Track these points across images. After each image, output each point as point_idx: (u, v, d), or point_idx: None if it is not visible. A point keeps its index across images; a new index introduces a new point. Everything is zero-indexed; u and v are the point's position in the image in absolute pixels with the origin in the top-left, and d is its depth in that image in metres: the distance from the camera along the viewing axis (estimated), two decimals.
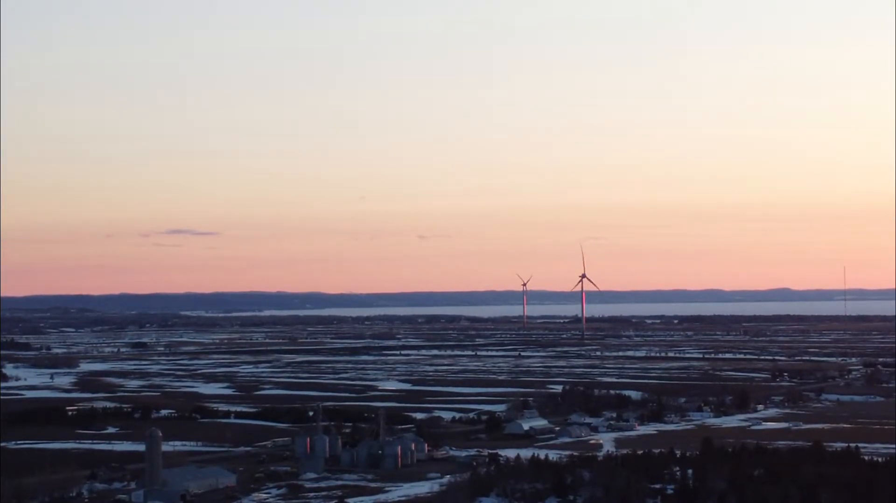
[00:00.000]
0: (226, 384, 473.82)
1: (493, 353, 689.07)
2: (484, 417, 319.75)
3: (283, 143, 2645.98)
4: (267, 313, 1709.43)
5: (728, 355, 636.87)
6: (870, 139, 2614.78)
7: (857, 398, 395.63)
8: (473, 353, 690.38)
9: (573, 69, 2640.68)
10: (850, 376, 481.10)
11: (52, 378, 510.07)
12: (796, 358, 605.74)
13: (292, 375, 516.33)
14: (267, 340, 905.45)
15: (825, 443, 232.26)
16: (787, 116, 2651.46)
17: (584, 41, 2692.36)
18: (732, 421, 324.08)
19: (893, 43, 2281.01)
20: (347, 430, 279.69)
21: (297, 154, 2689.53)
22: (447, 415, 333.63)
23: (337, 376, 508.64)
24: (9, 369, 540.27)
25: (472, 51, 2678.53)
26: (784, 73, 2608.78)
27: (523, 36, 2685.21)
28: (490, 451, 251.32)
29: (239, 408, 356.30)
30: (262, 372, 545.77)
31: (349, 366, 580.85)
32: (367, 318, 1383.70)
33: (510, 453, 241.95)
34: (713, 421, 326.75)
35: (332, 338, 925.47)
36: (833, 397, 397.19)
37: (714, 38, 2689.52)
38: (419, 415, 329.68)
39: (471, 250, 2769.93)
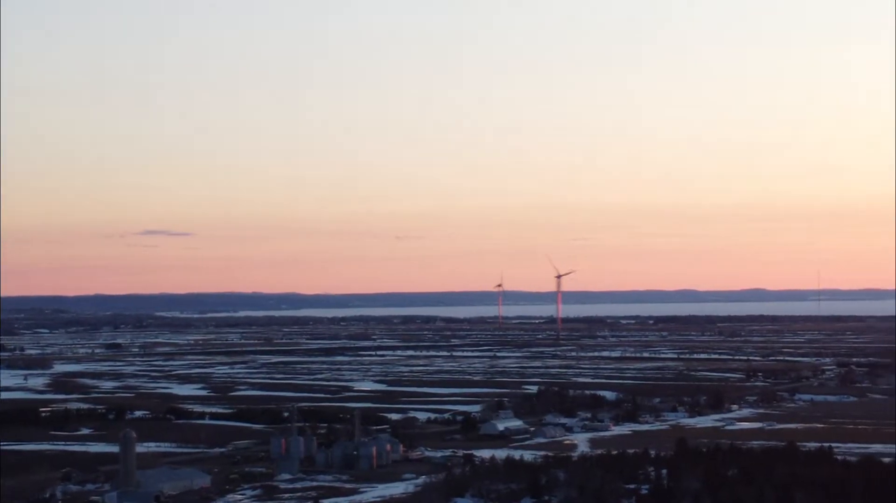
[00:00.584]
0: (200, 385, 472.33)
1: (469, 354, 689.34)
2: (459, 418, 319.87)
3: (258, 143, 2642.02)
4: (242, 314, 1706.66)
5: (702, 355, 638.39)
6: (840, 140, 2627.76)
7: (830, 398, 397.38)
8: (449, 354, 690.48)
9: (550, 67, 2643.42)
10: (824, 376, 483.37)
11: (25, 379, 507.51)
12: (770, 358, 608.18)
13: (267, 376, 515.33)
14: (242, 341, 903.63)
15: (799, 443, 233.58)
16: (758, 117, 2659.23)
17: (566, 41, 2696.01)
18: (707, 421, 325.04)
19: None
20: (323, 431, 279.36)
21: (274, 155, 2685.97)
22: (422, 416, 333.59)
23: (312, 377, 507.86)
24: None
25: (444, 49, 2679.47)
26: (758, 74, 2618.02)
27: (496, 36, 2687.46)
28: (465, 452, 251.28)
29: (214, 410, 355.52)
30: (238, 373, 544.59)
31: (325, 366, 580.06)
32: (343, 319, 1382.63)
33: (485, 454, 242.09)
34: (688, 421, 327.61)
35: (307, 339, 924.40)
36: (807, 397, 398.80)
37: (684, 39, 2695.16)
38: (394, 416, 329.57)
39: (447, 251, 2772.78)
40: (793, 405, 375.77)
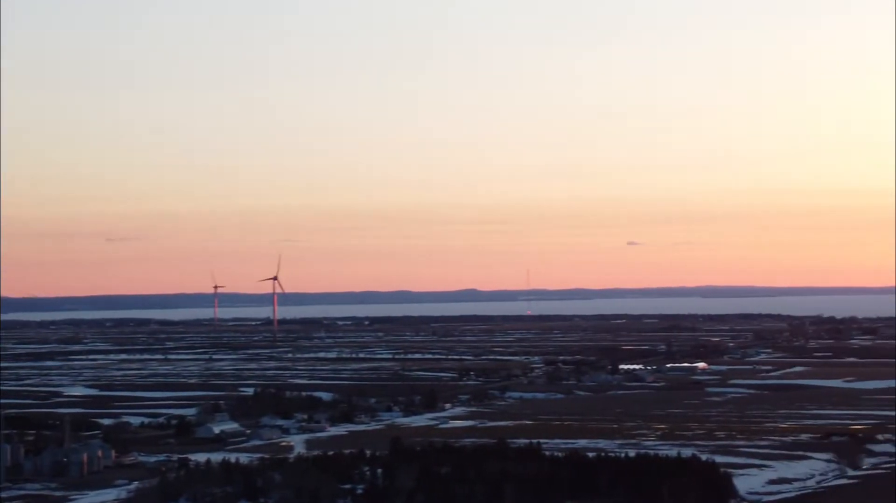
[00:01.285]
0: None
1: (184, 357, 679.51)
2: (174, 422, 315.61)
3: None
4: None
5: (417, 355, 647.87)
6: (535, 141, 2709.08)
7: (539, 395, 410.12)
8: (163, 357, 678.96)
9: (265, 71, 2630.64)
10: (533, 374, 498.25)
11: None
12: (482, 357, 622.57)
13: None
14: None
15: (509, 440, 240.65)
16: (465, 116, 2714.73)
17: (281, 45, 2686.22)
18: (421, 420, 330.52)
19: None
20: (31, 438, 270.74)
21: None
22: (136, 421, 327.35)
23: (20, 383, 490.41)
24: None
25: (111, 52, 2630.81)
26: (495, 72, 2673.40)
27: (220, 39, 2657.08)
28: (180, 456, 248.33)
29: None
30: None
31: (33, 371, 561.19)
32: (52, 323, 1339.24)
33: (201, 457, 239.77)
34: (402, 420, 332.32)
35: (14, 344, 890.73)
36: (517, 395, 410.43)
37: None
38: (107, 421, 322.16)
39: (160, 253, 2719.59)
40: (503, 403, 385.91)
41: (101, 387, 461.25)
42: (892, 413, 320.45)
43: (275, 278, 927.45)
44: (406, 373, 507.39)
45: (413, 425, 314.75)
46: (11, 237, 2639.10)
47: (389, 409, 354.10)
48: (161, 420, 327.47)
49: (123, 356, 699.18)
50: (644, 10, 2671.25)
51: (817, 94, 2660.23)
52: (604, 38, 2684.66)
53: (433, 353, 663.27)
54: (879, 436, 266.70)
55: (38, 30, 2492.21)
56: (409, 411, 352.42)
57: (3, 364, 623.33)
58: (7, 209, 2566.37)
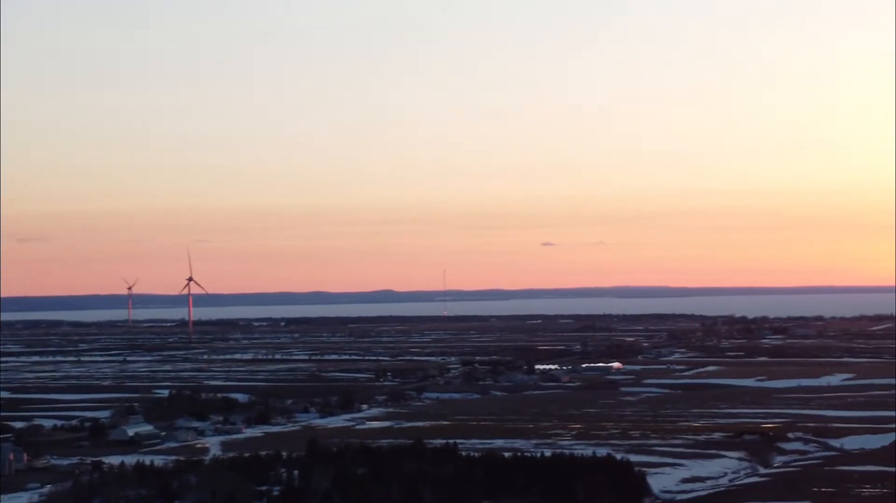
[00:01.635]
0: None
1: (98, 359, 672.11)
2: (87, 424, 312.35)
3: None
4: None
5: (334, 356, 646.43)
6: (458, 144, 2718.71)
7: (455, 396, 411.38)
8: (77, 359, 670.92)
9: (166, 75, 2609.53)
10: (449, 375, 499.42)
11: None
12: (399, 358, 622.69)
13: None
14: None
15: (426, 441, 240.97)
16: (387, 119, 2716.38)
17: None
18: (338, 421, 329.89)
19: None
20: None
21: None
22: (49, 424, 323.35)
23: None
24: None
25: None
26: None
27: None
28: (94, 459, 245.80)
29: None
30: None
31: None
32: None
33: (114, 460, 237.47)
34: (319, 421, 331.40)
35: None
36: (433, 395, 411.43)
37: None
38: (18, 424, 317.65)
39: (72, 253, 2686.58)
40: (420, 403, 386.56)
41: (12, 390, 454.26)
42: (803, 411, 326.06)
43: (189, 279, 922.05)
44: (322, 374, 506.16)
45: (330, 426, 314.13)
46: None
47: (306, 411, 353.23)
48: (74, 422, 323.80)
49: (35, 358, 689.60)
50: (563, 11, 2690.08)
51: (729, 97, 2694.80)
52: (521, 37, 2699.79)
53: (350, 354, 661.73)
54: (790, 435, 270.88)
55: None
56: (325, 412, 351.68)
57: None
58: None
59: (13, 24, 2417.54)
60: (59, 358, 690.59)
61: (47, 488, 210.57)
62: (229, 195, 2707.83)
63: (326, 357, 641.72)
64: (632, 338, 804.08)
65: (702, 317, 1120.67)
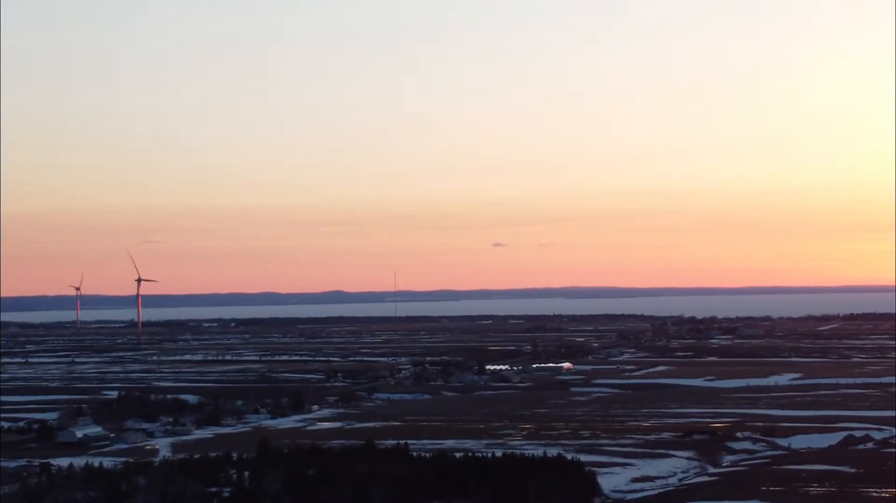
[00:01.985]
0: None
1: (46, 360, 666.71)
2: (35, 426, 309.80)
3: None
4: None
5: (284, 357, 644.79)
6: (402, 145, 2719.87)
7: (406, 396, 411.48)
8: (24, 360, 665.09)
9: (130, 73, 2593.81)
10: (400, 375, 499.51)
11: None
12: (350, 358, 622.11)
13: None
14: None
15: (377, 441, 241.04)
16: (333, 121, 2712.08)
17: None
18: (289, 422, 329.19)
19: None
20: None
21: None
22: None
23: None
24: None
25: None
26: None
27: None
28: (41, 461, 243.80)
29: None
30: None
31: None
32: None
33: (63, 462, 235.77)
34: (270, 422, 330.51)
35: None
36: (384, 396, 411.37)
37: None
38: None
39: (20, 253, 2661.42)
40: (371, 404, 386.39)
41: None
42: (751, 411, 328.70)
43: (139, 280, 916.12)
44: (273, 374, 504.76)
45: (280, 427, 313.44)
46: None
47: (256, 412, 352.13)
48: (22, 424, 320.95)
49: None
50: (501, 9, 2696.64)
51: (681, 97, 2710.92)
52: (449, 36, 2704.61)
53: (300, 355, 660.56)
54: (739, 434, 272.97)
55: None
56: (276, 413, 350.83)
57: None
58: None
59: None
60: (6, 359, 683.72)
61: None
62: (178, 195, 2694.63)
63: (277, 358, 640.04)
64: (582, 339, 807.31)
65: (651, 317, 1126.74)
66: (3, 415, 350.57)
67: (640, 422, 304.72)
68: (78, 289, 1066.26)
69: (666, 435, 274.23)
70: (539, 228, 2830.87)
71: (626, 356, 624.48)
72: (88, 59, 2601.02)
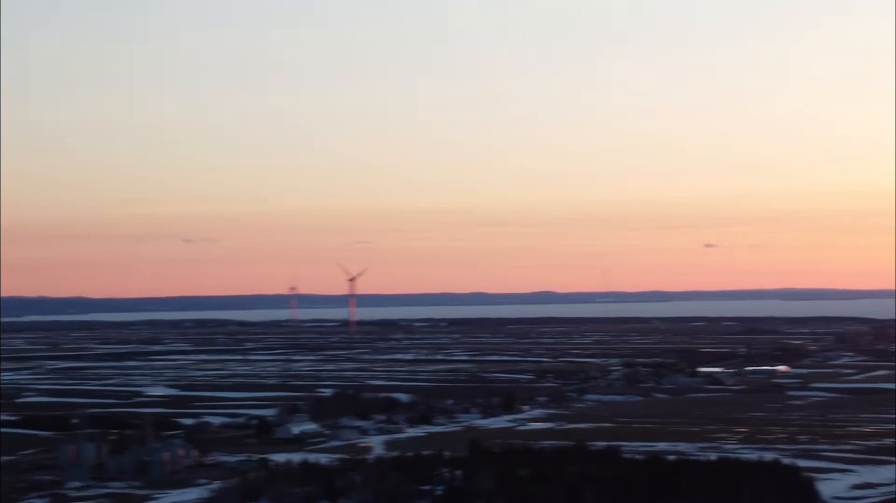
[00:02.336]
0: None
1: (263, 357, 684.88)
2: (254, 422, 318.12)
3: (35, 144, 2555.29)
4: (28, 318, 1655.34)
5: (494, 357, 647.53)
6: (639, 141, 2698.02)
7: (617, 398, 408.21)
8: (243, 358, 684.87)
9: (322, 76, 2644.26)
10: (611, 376, 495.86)
11: None
12: (560, 359, 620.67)
13: (56, 382, 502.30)
14: (28, 346, 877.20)
15: (588, 443, 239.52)
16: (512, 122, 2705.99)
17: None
18: (499, 422, 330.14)
19: None
20: (114, 438, 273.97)
21: (51, 156, 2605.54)
22: (217, 421, 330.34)
23: (102, 383, 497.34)
24: None
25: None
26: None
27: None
28: (260, 456, 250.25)
29: None
30: (23, 379, 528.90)
31: (115, 371, 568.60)
32: (133, 323, 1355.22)
33: (280, 458, 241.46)
34: (481, 422, 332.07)
35: (96, 344, 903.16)
36: (595, 397, 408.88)
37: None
38: (188, 421, 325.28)
39: (237, 253, 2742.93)
40: (582, 405, 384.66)
41: (181, 388, 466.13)
42: None
43: (352, 279, 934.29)
44: (483, 374, 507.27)
45: (491, 427, 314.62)
46: (94, 239, 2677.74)
47: (467, 411, 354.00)
48: (241, 420, 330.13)
49: (203, 356, 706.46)
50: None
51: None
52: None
53: (510, 355, 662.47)
54: None
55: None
56: (487, 413, 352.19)
57: (85, 364, 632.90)
58: (87, 212, 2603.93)
59: None
60: (225, 356, 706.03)
61: (216, 484, 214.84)
62: (391, 196, 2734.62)
63: (487, 358, 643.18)
64: (798, 341, 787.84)
65: (871, 320, 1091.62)
66: (223, 411, 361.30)
67: (860, 428, 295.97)
68: (294, 288, 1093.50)
69: (888, 441, 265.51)
70: (751, 228, 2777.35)
71: (844, 360, 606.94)
72: (318, 65, 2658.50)
